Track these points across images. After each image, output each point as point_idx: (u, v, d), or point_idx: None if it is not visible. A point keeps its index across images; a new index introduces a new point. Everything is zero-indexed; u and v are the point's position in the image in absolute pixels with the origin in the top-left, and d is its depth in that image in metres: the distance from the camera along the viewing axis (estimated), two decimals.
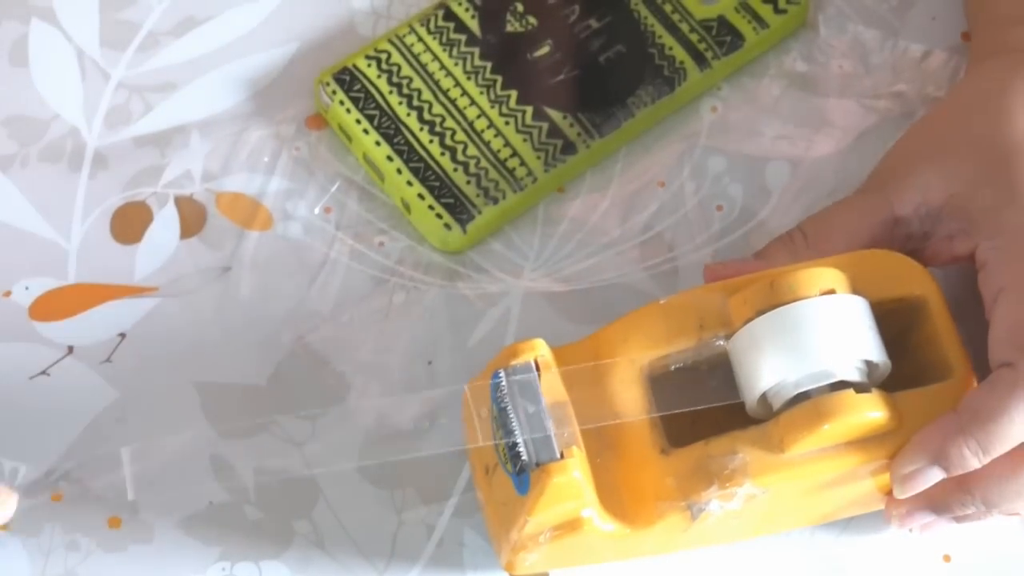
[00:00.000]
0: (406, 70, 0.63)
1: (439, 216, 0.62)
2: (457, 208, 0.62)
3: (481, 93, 0.63)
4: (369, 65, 0.63)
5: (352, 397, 0.61)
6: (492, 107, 0.63)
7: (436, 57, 0.64)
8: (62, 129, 0.64)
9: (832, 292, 0.53)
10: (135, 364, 0.61)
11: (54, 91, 0.65)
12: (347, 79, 0.63)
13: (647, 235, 0.63)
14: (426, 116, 0.63)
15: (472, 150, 0.63)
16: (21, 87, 0.65)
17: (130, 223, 0.63)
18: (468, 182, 0.62)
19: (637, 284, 0.63)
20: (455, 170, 0.62)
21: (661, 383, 0.54)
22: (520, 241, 0.63)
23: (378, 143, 0.62)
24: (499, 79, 0.64)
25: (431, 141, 0.62)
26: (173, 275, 0.62)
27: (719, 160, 0.64)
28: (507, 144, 0.63)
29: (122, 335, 0.61)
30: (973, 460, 0.53)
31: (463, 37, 0.64)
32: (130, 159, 0.64)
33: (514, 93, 0.63)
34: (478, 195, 0.62)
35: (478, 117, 0.63)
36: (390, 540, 0.59)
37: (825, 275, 0.54)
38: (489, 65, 0.64)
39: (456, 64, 0.64)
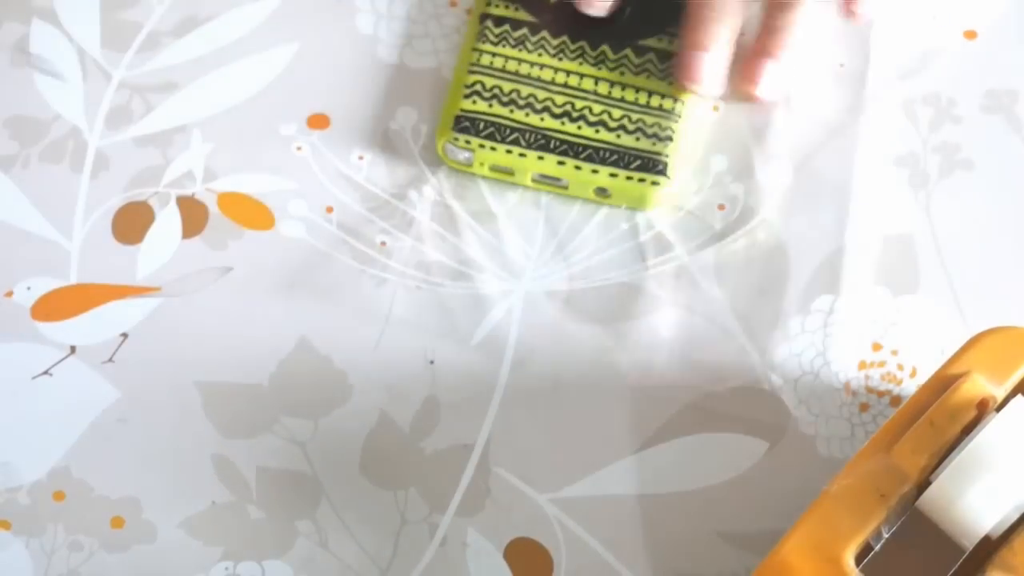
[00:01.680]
0: (506, 86, 0.63)
1: (641, 180, 0.62)
2: (648, 165, 0.62)
3: (581, 64, 0.64)
4: (475, 102, 0.63)
5: (354, 397, 0.61)
6: (599, 69, 0.64)
7: (519, 60, 0.64)
8: (63, 129, 0.64)
9: (985, 402, 0.52)
10: (137, 364, 0.61)
11: (55, 91, 0.65)
12: (468, 125, 0.63)
13: (649, 234, 0.63)
14: (556, 111, 0.63)
15: (616, 112, 0.63)
16: (22, 87, 0.65)
17: (132, 223, 0.63)
18: (637, 139, 0.63)
19: (639, 283, 0.63)
20: (618, 137, 0.63)
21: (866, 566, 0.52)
22: (522, 241, 0.63)
23: (541, 158, 0.62)
24: (584, 44, 0.64)
25: (579, 128, 0.63)
26: (175, 275, 0.62)
27: (720, 159, 0.65)
28: (637, 89, 0.64)
29: (124, 335, 0.61)
30: None
31: (524, 30, 0.64)
32: (131, 159, 0.64)
33: (605, 48, 0.64)
34: (654, 143, 0.63)
35: (597, 84, 0.64)
36: (393, 540, 0.59)
37: (973, 386, 0.52)
38: (566, 38, 0.64)
39: (540, 55, 0.64)
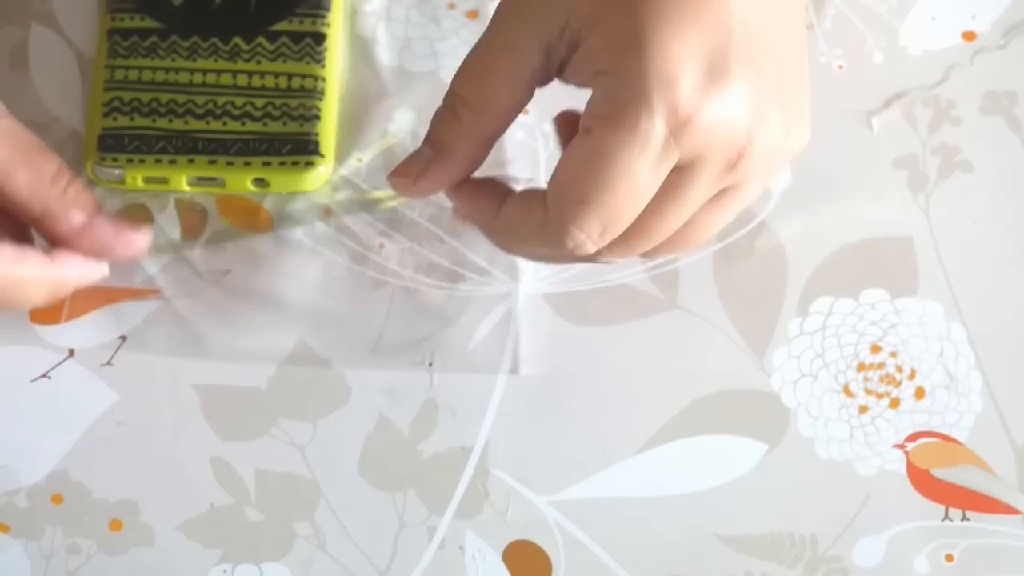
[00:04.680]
0: (145, 97, 0.63)
1: (295, 163, 0.62)
2: (299, 147, 0.62)
3: (216, 60, 0.64)
4: (115, 119, 0.63)
5: (352, 399, 0.61)
6: (235, 62, 0.64)
7: (154, 68, 0.63)
8: (62, 132, 0.64)
9: None
10: (136, 367, 0.61)
11: (54, 95, 0.65)
12: (113, 143, 0.62)
13: None
14: (199, 112, 0.63)
15: (259, 102, 0.63)
16: (21, 91, 0.64)
17: (131, 225, 0.63)
18: (284, 124, 0.63)
19: (639, 285, 0.63)
20: (264, 125, 0.63)
21: None
22: None
23: (191, 160, 0.62)
24: (215, 40, 0.64)
25: (224, 124, 0.63)
26: (174, 278, 0.62)
27: None
28: (276, 75, 0.63)
29: (123, 338, 0.61)
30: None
31: (153, 38, 0.64)
32: None
33: (238, 40, 0.64)
34: (301, 125, 0.63)
35: (235, 77, 0.63)
36: (391, 542, 0.59)
37: None
38: (196, 38, 0.64)
39: (174, 59, 0.64)
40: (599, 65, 0.51)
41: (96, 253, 0.56)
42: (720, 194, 0.53)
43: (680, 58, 0.50)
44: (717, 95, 0.50)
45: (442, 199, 0.63)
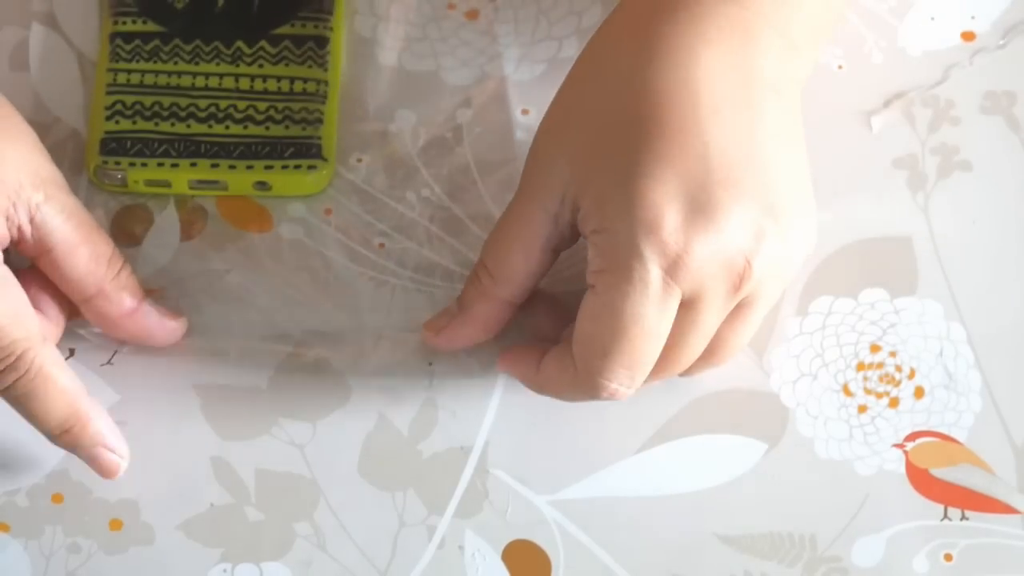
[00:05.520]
0: (147, 100, 0.63)
1: (297, 167, 0.62)
2: (302, 151, 0.62)
3: (218, 64, 0.64)
4: (118, 122, 0.63)
5: (352, 399, 0.61)
6: (238, 65, 0.64)
7: (156, 72, 0.64)
8: (63, 132, 0.64)
9: None
10: (136, 366, 0.61)
11: (54, 95, 0.65)
12: (115, 146, 0.62)
13: None
14: (201, 115, 0.63)
15: (261, 105, 0.63)
16: (22, 91, 0.65)
17: (131, 225, 0.63)
18: (287, 127, 0.63)
19: None
20: (267, 129, 0.63)
21: None
22: None
23: (193, 164, 0.62)
24: (218, 44, 0.64)
25: (226, 127, 0.63)
26: (174, 277, 0.62)
27: None
28: (279, 78, 0.63)
29: None
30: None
31: (156, 41, 0.64)
32: None
33: (240, 43, 0.64)
34: (304, 128, 0.63)
35: (238, 80, 0.63)
36: (391, 542, 0.59)
37: None
38: (199, 41, 0.64)
39: (176, 63, 0.64)
40: (592, 224, 0.54)
41: (138, 338, 0.60)
42: (737, 310, 0.56)
43: (660, 202, 0.53)
44: (703, 228, 0.53)
45: (442, 198, 0.63)
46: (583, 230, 0.55)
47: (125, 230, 0.63)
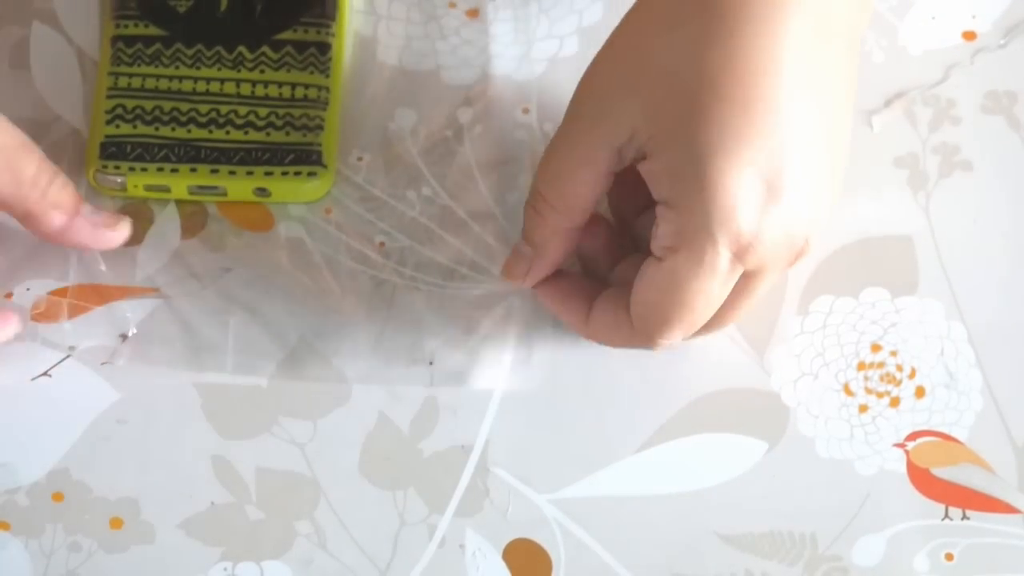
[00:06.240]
0: (148, 104, 0.63)
1: (298, 173, 0.62)
2: (302, 157, 0.62)
3: (220, 69, 0.64)
4: (118, 126, 0.63)
5: (352, 397, 0.61)
6: (239, 70, 0.64)
7: (158, 76, 0.63)
8: (63, 131, 0.64)
9: None
10: (136, 365, 0.61)
11: (55, 93, 0.65)
12: (115, 150, 0.62)
13: None
14: (202, 120, 0.63)
15: (262, 111, 0.63)
16: (22, 89, 0.65)
17: (109, 222, 0.63)
18: (287, 134, 0.63)
19: None
20: (268, 135, 0.63)
21: None
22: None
23: (193, 170, 0.62)
24: (220, 48, 0.64)
25: (227, 133, 0.63)
26: (174, 276, 0.62)
27: None
28: (280, 84, 0.63)
29: (123, 336, 0.61)
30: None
31: (158, 45, 0.64)
32: None
33: (242, 48, 0.64)
34: (304, 135, 0.62)
35: (239, 86, 0.63)
36: (392, 541, 0.59)
37: None
38: (201, 46, 0.64)
39: (178, 67, 0.64)
40: (663, 193, 0.54)
41: (83, 248, 0.61)
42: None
43: (738, 189, 0.53)
44: (775, 215, 0.54)
45: (441, 197, 0.63)
46: (653, 190, 0.55)
47: None
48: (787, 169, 0.53)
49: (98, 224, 0.60)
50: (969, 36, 0.66)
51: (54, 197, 0.59)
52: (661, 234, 0.54)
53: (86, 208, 0.60)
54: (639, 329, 0.56)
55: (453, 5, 0.66)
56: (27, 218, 0.59)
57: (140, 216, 0.63)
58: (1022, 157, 0.64)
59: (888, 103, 0.65)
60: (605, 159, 0.56)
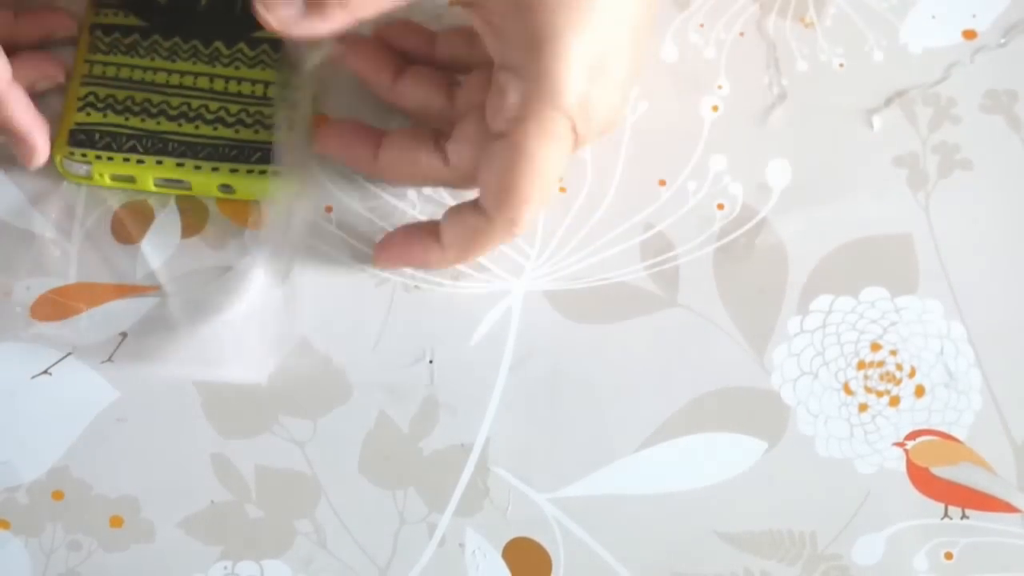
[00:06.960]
0: (120, 94, 0.63)
1: (263, 172, 0.62)
2: (269, 156, 0.62)
3: (195, 63, 0.63)
4: (88, 114, 0.62)
5: (353, 396, 0.61)
6: (214, 66, 0.63)
7: (132, 66, 0.63)
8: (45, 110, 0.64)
9: None
10: (136, 363, 0.61)
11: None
12: (84, 138, 0.62)
13: (648, 234, 0.63)
14: (172, 113, 0.63)
15: (233, 108, 0.63)
16: None
17: (131, 222, 0.63)
18: (256, 132, 0.62)
19: (638, 283, 0.63)
20: (236, 132, 0.62)
21: None
22: (521, 240, 0.63)
23: (159, 162, 0.62)
24: (196, 43, 0.64)
25: (196, 127, 0.62)
26: (174, 274, 0.62)
27: (719, 158, 0.65)
28: (254, 82, 0.63)
29: (123, 334, 0.61)
30: None
31: (135, 36, 0.64)
32: None
33: (219, 44, 0.64)
34: (273, 134, 0.62)
35: (212, 81, 0.63)
36: (391, 539, 0.59)
37: None
38: (178, 39, 0.64)
39: (153, 59, 0.63)
40: (507, 56, 0.56)
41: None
42: None
43: (577, 59, 0.55)
44: (603, 86, 0.56)
45: (441, 196, 0.63)
46: (494, 51, 0.57)
47: (126, 227, 0.63)
48: (611, 46, 0.56)
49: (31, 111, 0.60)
50: (969, 35, 0.66)
51: None
52: (508, 105, 0.56)
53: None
54: (494, 216, 0.57)
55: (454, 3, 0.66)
56: None
57: (141, 214, 0.63)
58: (1022, 156, 0.65)
59: (888, 102, 0.65)
60: None
